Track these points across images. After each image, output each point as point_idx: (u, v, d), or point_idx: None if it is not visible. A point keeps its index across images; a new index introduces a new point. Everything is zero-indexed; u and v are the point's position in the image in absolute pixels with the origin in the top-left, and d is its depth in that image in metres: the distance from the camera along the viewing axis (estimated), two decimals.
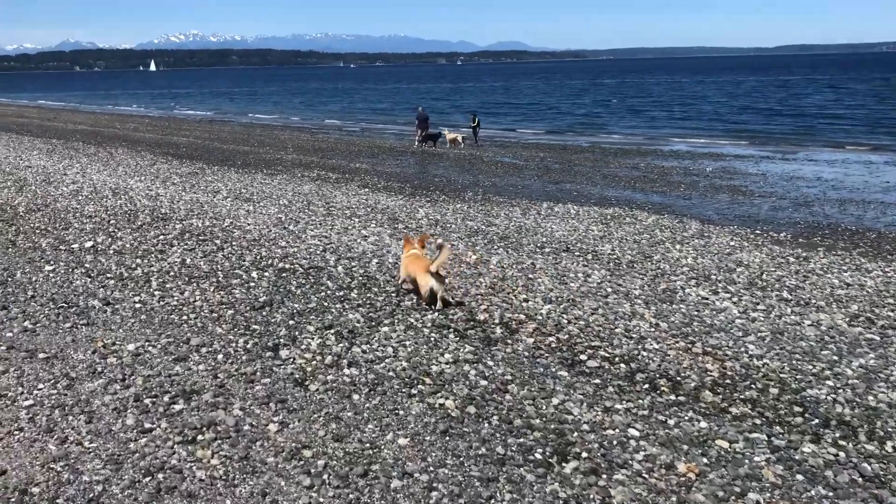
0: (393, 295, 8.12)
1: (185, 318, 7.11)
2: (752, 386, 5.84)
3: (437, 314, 7.45)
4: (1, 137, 31.08)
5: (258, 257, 9.69)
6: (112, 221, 11.95)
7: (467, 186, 18.93)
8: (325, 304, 7.72)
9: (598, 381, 5.87)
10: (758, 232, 13.40)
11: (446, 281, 7.80)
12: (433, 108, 62.15)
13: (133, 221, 12.01)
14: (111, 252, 9.75)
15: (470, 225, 13.11)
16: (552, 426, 5.02)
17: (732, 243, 12.22)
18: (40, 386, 5.39)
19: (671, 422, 5.17)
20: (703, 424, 5.13)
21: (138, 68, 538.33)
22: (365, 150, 28.61)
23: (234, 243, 10.50)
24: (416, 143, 29.86)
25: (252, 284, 8.35)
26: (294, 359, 6.11)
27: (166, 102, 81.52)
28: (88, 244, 10.09)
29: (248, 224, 12.16)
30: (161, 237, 10.79)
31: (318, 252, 10.15)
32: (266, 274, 8.82)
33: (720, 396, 5.64)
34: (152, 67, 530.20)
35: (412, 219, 13.64)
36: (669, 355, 6.48)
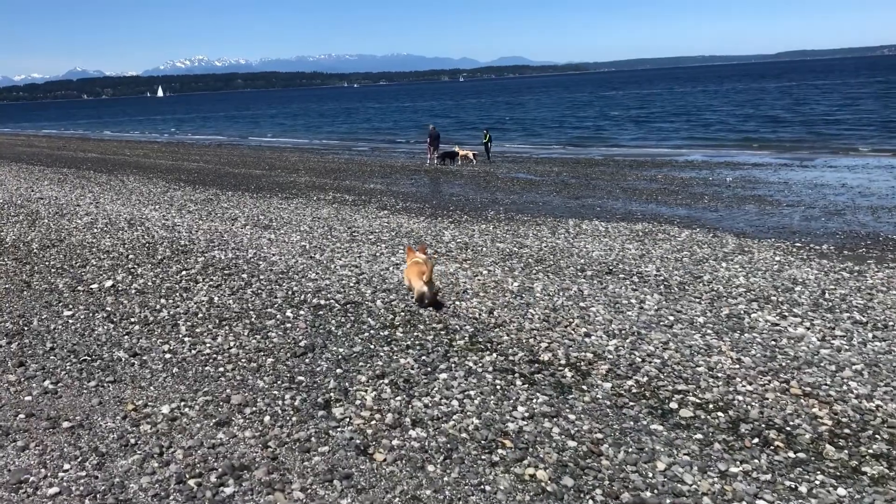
0: (442, 333, 7.32)
1: (221, 369, 6.29)
2: (877, 437, 5.02)
3: (495, 355, 6.65)
4: (11, 167, 30.40)
5: (290, 293, 8.88)
6: (131, 256, 11.17)
7: (487, 205, 18.18)
8: (371, 346, 6.91)
9: (699, 436, 5.04)
10: (798, 245, 12.61)
11: (436, 285, 8.46)
12: (437, 125, 61.65)
13: (153, 255, 11.23)
14: (133, 291, 8.96)
15: (501, 247, 12.32)
16: (668, 501, 4.20)
17: (778, 258, 11.43)
18: (66, 466, 4.57)
19: (802, 489, 4.34)
20: (842, 492, 4.30)
21: (145, 94, 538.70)
22: (377, 170, 27.89)
23: (261, 277, 9.70)
24: (428, 162, 29.15)
25: (288, 325, 7.54)
26: (350, 418, 5.29)
27: (174, 128, 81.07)
28: (108, 283, 9.30)
29: (273, 254, 11.37)
30: (184, 272, 9.99)
31: (352, 284, 9.36)
32: (301, 312, 8.01)
33: (845, 452, 4.81)
34: (160, 93, 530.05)
35: (439, 242, 12.87)
36: (768, 399, 5.66)
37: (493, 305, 8.30)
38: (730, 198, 18.45)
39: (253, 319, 7.71)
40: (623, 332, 7.36)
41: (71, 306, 8.32)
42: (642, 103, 79.05)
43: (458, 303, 8.42)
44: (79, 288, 9.16)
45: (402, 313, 8.00)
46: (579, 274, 10.23)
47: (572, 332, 7.33)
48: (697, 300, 8.87)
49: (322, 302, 8.41)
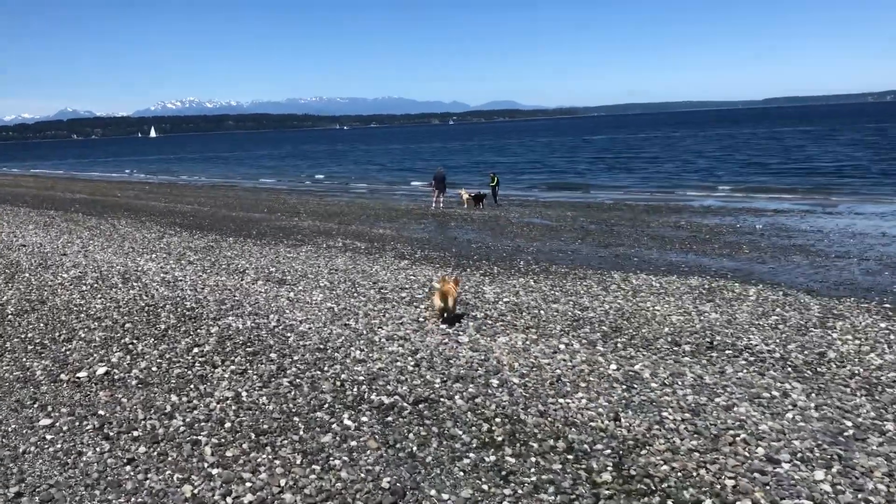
0: (570, 458, 5.10)
1: None
2: None
3: None
4: None
5: (337, 383, 6.62)
6: (128, 325, 8.84)
7: (512, 253, 16.11)
8: (483, 485, 4.66)
9: None
10: (887, 306, 10.66)
11: (450, 303, 9.18)
12: (426, 168, 59.83)
13: (154, 324, 8.92)
14: (134, 383, 6.64)
15: (560, 310, 10.17)
16: None
17: (883, 325, 9.43)
18: None
19: None
20: None
21: (136, 135, 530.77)
22: (382, 213, 25.75)
23: (294, 357, 7.44)
24: (434, 206, 27.09)
25: (353, 444, 5.25)
26: None
27: (166, 168, 78.43)
28: (101, 370, 6.97)
29: (299, 321, 9.11)
30: (196, 350, 7.70)
31: (411, 367, 7.12)
32: (364, 419, 5.75)
33: None
34: (153, 134, 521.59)
35: (482, 301, 10.71)
36: None
37: (609, 405, 6.12)
38: (770, 248, 16.52)
39: (301, 433, 5.43)
40: (815, 453, 5.19)
41: (51, 410, 5.97)
42: (633, 148, 77.69)
43: (561, 400, 6.22)
44: (62, 377, 6.81)
45: (497, 418, 5.77)
46: (677, 350, 8.11)
47: (747, 454, 5.15)
48: (846, 388, 6.79)
49: (385, 400, 6.15)
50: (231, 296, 10.82)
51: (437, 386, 6.55)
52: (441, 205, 26.89)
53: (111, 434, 5.42)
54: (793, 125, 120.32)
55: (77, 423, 5.67)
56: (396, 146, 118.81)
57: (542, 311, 10.06)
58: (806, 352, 8.04)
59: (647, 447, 5.20)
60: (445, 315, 9.20)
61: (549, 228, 20.75)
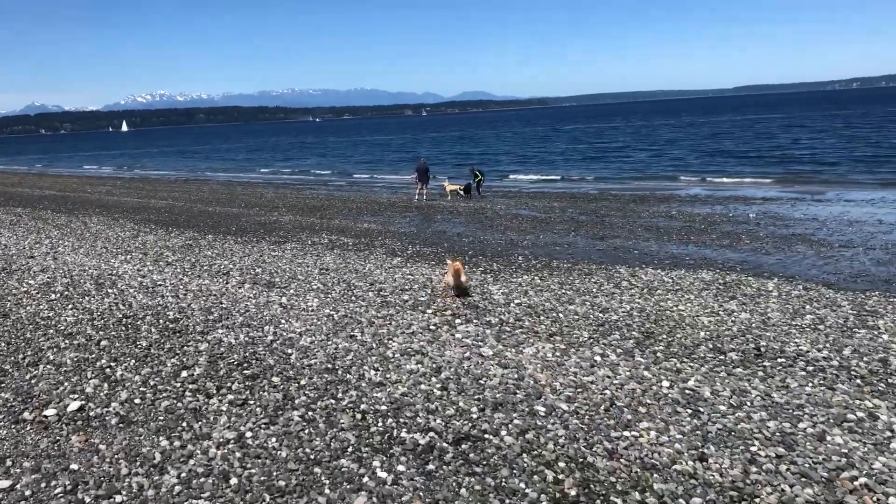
0: None
1: None
2: None
3: None
4: None
5: (357, 415, 5.45)
6: (104, 342, 7.56)
7: (508, 248, 15.06)
8: None
9: None
10: None
11: (463, 278, 9.95)
12: (401, 159, 58.43)
13: (134, 340, 7.65)
14: (113, 422, 5.39)
15: (578, 312, 9.13)
16: None
17: None
18: None
19: None
20: None
21: (106, 129, 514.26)
22: (364, 206, 24.47)
23: (301, 381, 6.25)
24: (416, 197, 25.89)
25: None
26: None
27: (137, 162, 75.74)
28: (74, 405, 5.70)
29: (298, 332, 7.91)
30: (185, 375, 6.45)
31: (437, 392, 5.98)
32: (400, 467, 4.59)
33: None
34: (124, 128, 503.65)
35: (492, 303, 9.62)
36: None
37: (684, 438, 5.06)
38: (770, 237, 15.69)
39: (328, 492, 4.28)
40: None
41: (10, 464, 4.73)
42: (606, 137, 76.70)
43: (626, 433, 5.14)
44: (25, 416, 5.55)
45: (560, 461, 4.67)
46: (723, 358, 7.12)
47: None
48: None
49: (419, 439, 5.01)
50: (217, 303, 9.56)
51: (475, 416, 5.43)
52: (424, 197, 25.73)
53: (87, 501, 4.20)
54: (764, 113, 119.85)
55: (45, 483, 4.43)
56: (369, 138, 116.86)
57: (560, 315, 9.01)
58: (865, 358, 7.11)
59: (755, 499, 4.15)
60: (459, 291, 9.94)
61: (538, 220, 19.71)
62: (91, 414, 5.49)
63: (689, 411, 5.50)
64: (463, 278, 9.97)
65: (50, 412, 5.52)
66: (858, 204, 20.83)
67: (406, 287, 10.81)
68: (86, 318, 8.69)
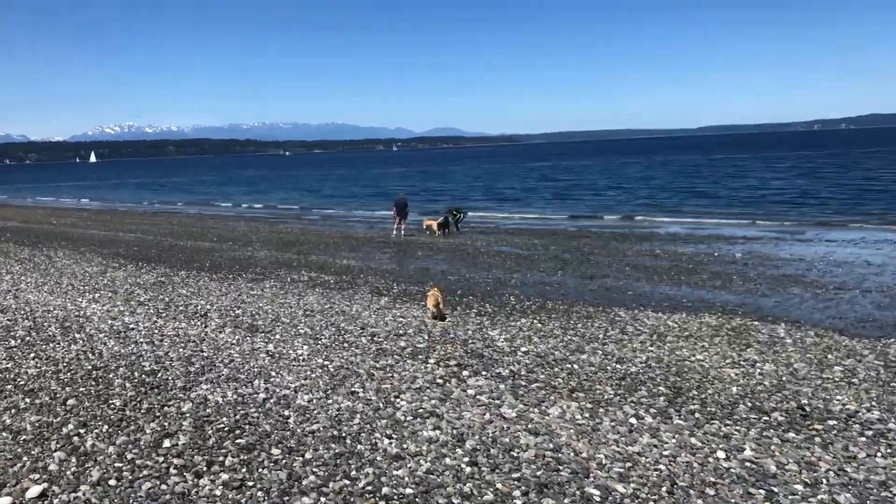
0: None
1: None
2: None
3: None
4: None
5: (380, 503, 4.54)
6: (71, 402, 6.52)
7: (496, 287, 14.35)
8: None
9: None
10: None
11: (441, 303, 10.87)
12: (375, 193, 57.60)
13: (106, 398, 6.63)
14: None
15: (591, 361, 8.39)
16: None
17: None
18: None
19: None
20: None
21: (73, 160, 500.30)
22: (341, 241, 23.58)
23: (306, 455, 5.32)
24: (394, 233, 25.09)
25: None
26: None
27: (104, 194, 73.52)
28: (34, 490, 4.68)
29: (293, 389, 6.97)
30: (168, 445, 5.47)
31: (467, 468, 5.12)
32: None
33: None
34: (92, 158, 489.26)
35: (497, 351, 8.85)
36: None
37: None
38: (762, 278, 15.24)
39: None
40: None
41: None
42: (579, 173, 76.46)
43: None
44: None
45: None
46: (768, 420, 6.40)
47: None
48: None
49: None
50: (198, 350, 8.56)
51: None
52: (403, 232, 24.95)
53: None
54: (730, 152, 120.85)
55: None
56: (340, 171, 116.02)
57: (574, 366, 8.23)
58: None
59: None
60: (437, 315, 10.76)
61: (522, 258, 19.04)
62: (56, 502, 4.46)
63: (763, 492, 4.72)
64: (441, 303, 10.87)
65: (3, 501, 4.47)
66: (840, 244, 20.61)
67: (400, 331, 9.95)
68: (50, 369, 7.63)
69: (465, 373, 7.61)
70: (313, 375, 7.37)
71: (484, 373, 7.64)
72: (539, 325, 10.71)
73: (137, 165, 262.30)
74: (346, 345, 8.98)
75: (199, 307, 11.75)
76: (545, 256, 19.24)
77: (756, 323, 11.04)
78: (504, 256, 19.34)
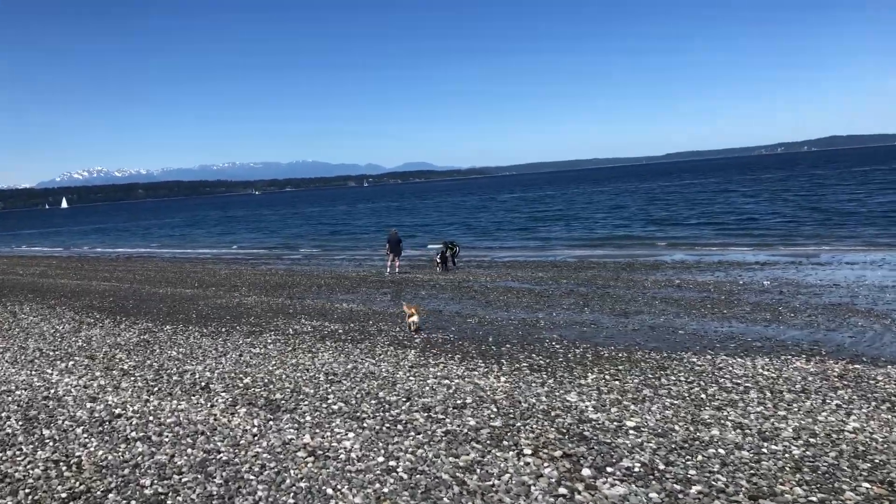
0: None
1: None
2: None
3: None
4: None
5: None
6: None
7: (528, 331, 12.31)
8: None
9: None
10: None
11: (417, 319, 12.15)
12: (345, 229, 55.23)
13: None
14: None
15: (735, 441, 6.26)
16: None
17: None
18: None
19: None
20: None
21: (41, 207, 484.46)
22: (333, 282, 21.23)
23: None
24: (388, 271, 22.86)
25: None
26: None
27: (77, 240, 69.57)
28: None
29: None
30: None
31: None
32: None
33: None
34: (64, 204, 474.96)
35: (599, 429, 6.73)
36: None
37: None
38: (811, 309, 13.43)
39: None
40: None
41: None
42: (554, 203, 74.82)
43: None
44: None
45: None
46: None
47: None
48: None
49: None
50: (212, 450, 6.19)
51: None
52: (397, 269, 22.73)
53: None
54: (699, 177, 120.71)
55: None
56: (313, 209, 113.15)
57: (719, 450, 6.03)
58: None
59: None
60: (416, 328, 12.21)
61: (535, 294, 16.98)
62: None
63: None
64: (417, 319, 12.38)
65: None
66: (864, 266, 19.03)
67: (458, 401, 7.69)
68: (8, 491, 5.15)
69: (585, 472, 5.44)
70: (385, 490, 5.08)
71: (609, 469, 5.46)
72: (616, 382, 8.60)
73: (107, 210, 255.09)
74: (399, 427, 6.73)
75: (198, 376, 9.37)
76: (559, 291, 17.22)
77: (858, 367, 9.11)
78: (516, 293, 17.27)
